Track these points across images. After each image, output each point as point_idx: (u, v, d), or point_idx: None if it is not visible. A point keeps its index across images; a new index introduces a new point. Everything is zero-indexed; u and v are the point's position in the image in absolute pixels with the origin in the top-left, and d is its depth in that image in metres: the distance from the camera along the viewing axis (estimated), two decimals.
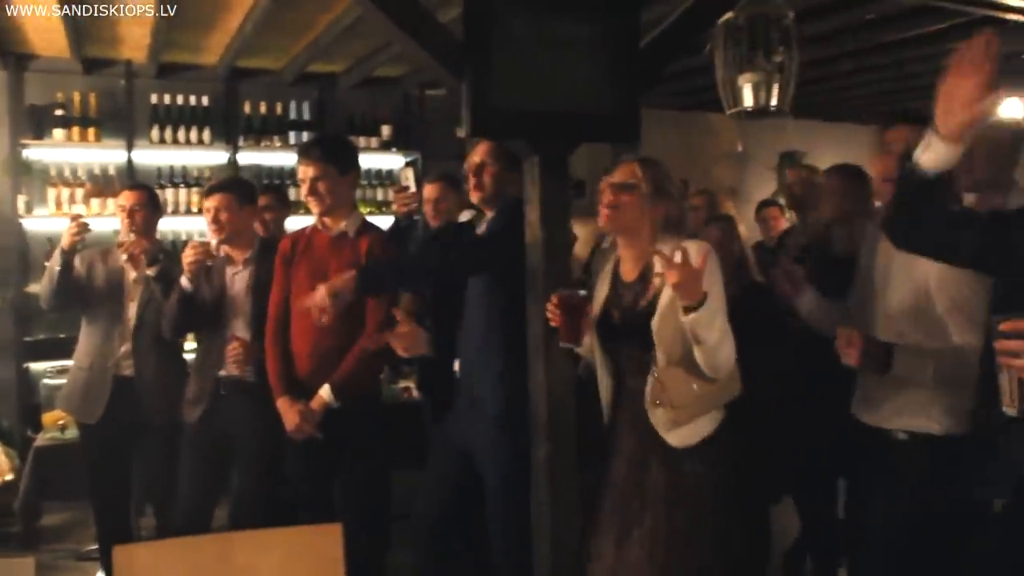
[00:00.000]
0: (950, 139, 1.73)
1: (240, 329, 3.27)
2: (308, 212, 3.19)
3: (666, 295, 2.31)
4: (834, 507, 3.28)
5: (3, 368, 4.98)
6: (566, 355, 2.46)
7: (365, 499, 3.07)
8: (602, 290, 2.54)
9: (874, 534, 2.35)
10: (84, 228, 3.40)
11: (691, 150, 6.46)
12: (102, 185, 5.15)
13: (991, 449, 1.93)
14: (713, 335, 2.20)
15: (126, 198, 3.66)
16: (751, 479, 2.75)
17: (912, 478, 2.27)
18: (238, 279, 3.35)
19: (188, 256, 3.18)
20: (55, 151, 5.15)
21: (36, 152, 5.13)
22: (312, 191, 3.02)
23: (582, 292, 2.38)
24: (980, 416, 2.03)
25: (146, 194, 3.70)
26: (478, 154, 2.80)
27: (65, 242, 3.40)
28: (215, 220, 3.29)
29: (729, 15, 2.94)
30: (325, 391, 2.95)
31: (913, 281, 2.27)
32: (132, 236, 3.51)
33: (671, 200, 2.44)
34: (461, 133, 2.31)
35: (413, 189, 3.09)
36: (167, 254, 3.77)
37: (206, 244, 3.25)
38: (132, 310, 3.57)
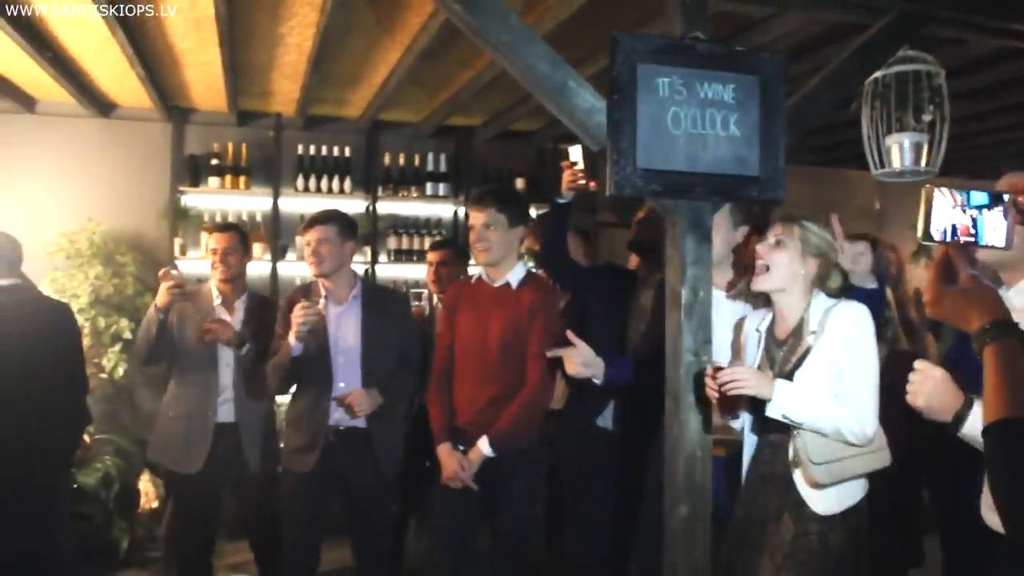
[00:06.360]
0: None
1: (348, 372, 3.21)
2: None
3: (815, 353, 2.28)
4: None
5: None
6: (705, 419, 2.41)
7: (511, 547, 3.06)
8: (756, 348, 2.51)
9: None
10: (180, 284, 3.34)
11: (825, 206, 6.28)
12: (249, 230, 5.41)
13: None
14: (804, 415, 2.19)
15: (217, 240, 3.56)
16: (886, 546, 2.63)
17: None
18: (345, 319, 3.25)
19: (298, 318, 3.07)
20: (208, 198, 5.49)
21: (192, 199, 5.47)
22: (481, 238, 3.03)
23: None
24: None
25: (237, 236, 3.62)
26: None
27: (161, 300, 3.34)
28: (315, 252, 3.18)
29: (877, 73, 2.86)
30: (484, 444, 2.96)
31: None
32: (222, 278, 3.54)
33: (821, 256, 2.39)
34: (607, 191, 2.32)
35: (581, 165, 3.06)
36: (255, 316, 3.62)
37: (318, 307, 3.16)
38: (229, 357, 3.50)
